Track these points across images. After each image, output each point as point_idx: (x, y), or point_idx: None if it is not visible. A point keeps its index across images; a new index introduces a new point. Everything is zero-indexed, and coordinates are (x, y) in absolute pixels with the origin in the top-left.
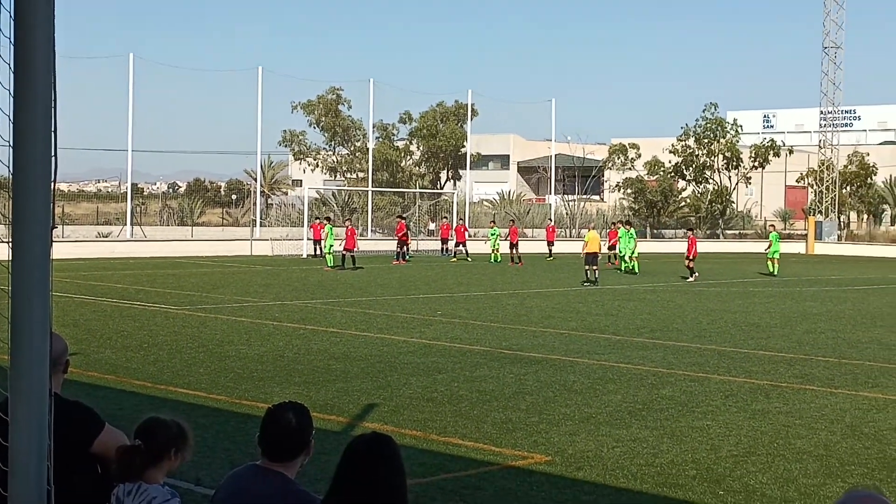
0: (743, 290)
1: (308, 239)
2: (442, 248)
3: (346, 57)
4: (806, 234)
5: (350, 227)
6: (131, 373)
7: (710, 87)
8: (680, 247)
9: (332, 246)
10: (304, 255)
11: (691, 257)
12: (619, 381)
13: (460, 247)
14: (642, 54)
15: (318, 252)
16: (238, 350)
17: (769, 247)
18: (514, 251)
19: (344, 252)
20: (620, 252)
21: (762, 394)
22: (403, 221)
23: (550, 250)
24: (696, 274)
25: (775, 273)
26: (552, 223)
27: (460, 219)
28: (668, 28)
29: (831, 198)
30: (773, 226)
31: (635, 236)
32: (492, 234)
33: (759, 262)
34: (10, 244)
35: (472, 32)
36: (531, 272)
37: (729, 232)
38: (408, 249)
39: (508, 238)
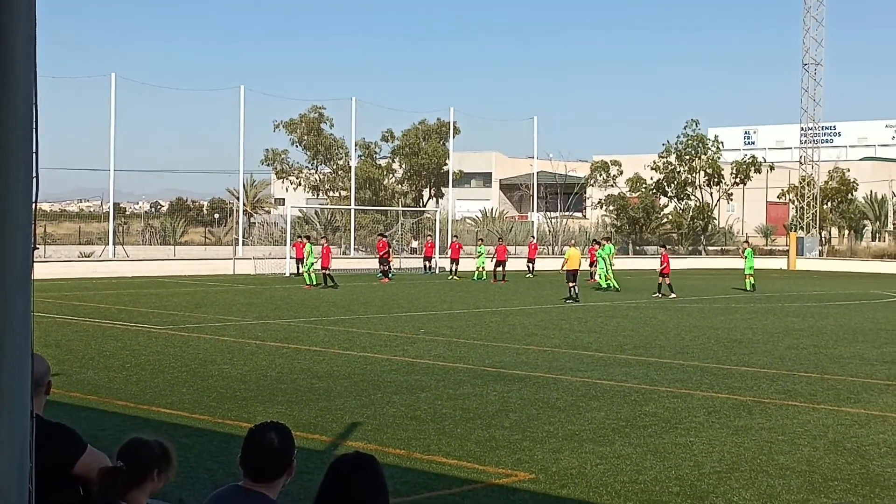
0: (725, 306)
1: (291, 258)
2: (425, 266)
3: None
4: (787, 250)
5: (325, 245)
6: (113, 393)
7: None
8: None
9: (312, 264)
10: (287, 274)
11: (666, 273)
12: (602, 398)
13: (454, 265)
14: (623, 71)
15: (300, 270)
16: (221, 369)
17: (746, 263)
18: (502, 269)
19: (322, 271)
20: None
21: (745, 410)
22: (385, 239)
23: (530, 267)
24: (673, 295)
25: (751, 289)
26: (534, 240)
27: (455, 236)
28: (649, 45)
29: (812, 214)
30: (747, 242)
31: (608, 253)
32: (479, 252)
33: (742, 278)
34: None
35: (454, 50)
36: (514, 289)
37: (711, 248)
38: (390, 267)
39: (495, 256)
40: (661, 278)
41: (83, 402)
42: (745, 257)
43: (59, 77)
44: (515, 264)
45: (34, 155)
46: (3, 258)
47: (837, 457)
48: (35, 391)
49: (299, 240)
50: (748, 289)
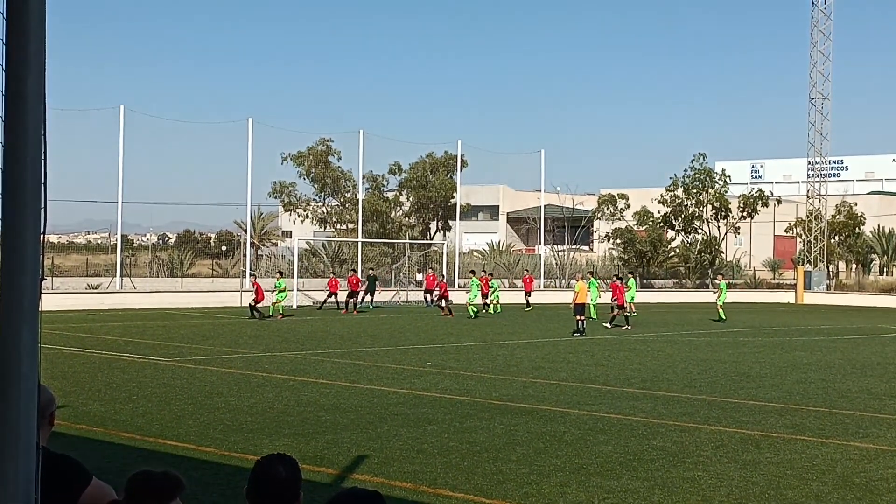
0: (733, 339)
1: (298, 290)
2: (426, 299)
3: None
4: (795, 284)
5: (332, 278)
6: (120, 425)
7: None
8: (669, 297)
9: (284, 297)
10: (295, 307)
11: (620, 305)
12: (609, 432)
13: (486, 298)
14: (631, 105)
15: (339, 303)
16: (227, 402)
17: (719, 295)
18: (440, 299)
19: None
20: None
21: (753, 444)
22: (354, 274)
23: (528, 300)
24: (628, 326)
25: (724, 319)
26: (529, 273)
27: (485, 271)
28: (657, 79)
29: (820, 247)
30: (721, 275)
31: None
32: (492, 286)
33: (750, 312)
34: (0, 296)
35: (461, 84)
36: (520, 322)
37: (718, 282)
38: (359, 300)
39: (523, 287)
40: (619, 310)
41: (89, 433)
42: (721, 289)
43: (67, 109)
44: (514, 298)
45: (43, 186)
46: (11, 289)
47: (846, 492)
48: (39, 422)
49: (332, 276)
50: (723, 318)
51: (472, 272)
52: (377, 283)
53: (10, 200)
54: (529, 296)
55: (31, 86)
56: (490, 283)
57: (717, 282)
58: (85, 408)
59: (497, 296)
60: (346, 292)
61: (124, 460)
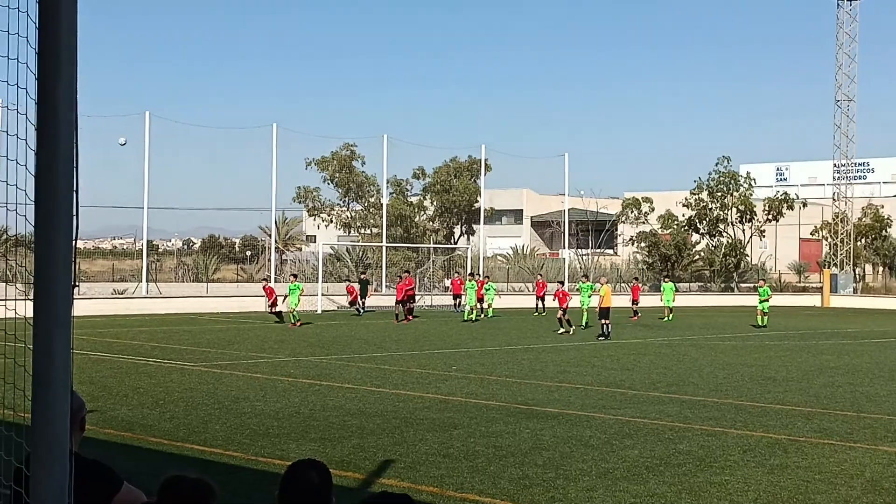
0: (759, 343)
1: (322, 294)
2: (455, 304)
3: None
4: (821, 287)
5: (349, 286)
6: (147, 430)
7: (722, 140)
8: (694, 300)
9: (297, 304)
10: (319, 311)
11: (564, 308)
12: (635, 436)
13: (539, 302)
14: (655, 108)
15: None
16: (254, 406)
17: (763, 299)
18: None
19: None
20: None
21: (780, 448)
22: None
23: (538, 305)
24: (572, 329)
25: (765, 325)
26: (541, 277)
27: (540, 275)
28: (680, 82)
29: (846, 250)
30: (763, 280)
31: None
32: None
33: (776, 316)
34: (33, 302)
35: (484, 88)
36: (546, 327)
37: (743, 285)
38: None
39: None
40: (561, 312)
41: (117, 438)
42: (664, 291)
43: (93, 116)
44: (525, 302)
45: (74, 193)
46: (44, 296)
47: (875, 496)
48: (71, 428)
49: (405, 275)
50: (763, 324)
51: (471, 274)
52: (369, 286)
53: (43, 208)
54: (542, 300)
55: (62, 94)
56: (485, 286)
57: (758, 286)
58: (113, 412)
59: (492, 299)
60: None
61: (152, 465)
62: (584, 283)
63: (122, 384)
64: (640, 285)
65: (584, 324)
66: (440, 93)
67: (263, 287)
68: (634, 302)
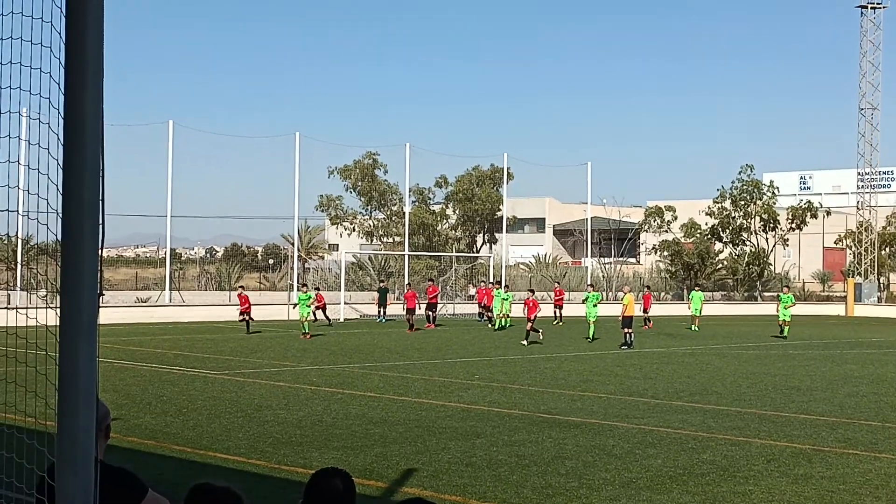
0: (783, 352)
1: (372, 303)
2: (480, 314)
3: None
4: (845, 296)
5: (409, 290)
6: (171, 438)
7: (745, 148)
8: (718, 309)
9: (308, 313)
10: (342, 319)
11: (532, 318)
12: (658, 446)
13: (558, 311)
14: (677, 117)
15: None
16: (276, 415)
17: (787, 306)
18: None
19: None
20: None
21: (804, 458)
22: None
23: (557, 314)
24: (540, 332)
25: (786, 335)
26: (559, 285)
27: (557, 283)
28: (704, 91)
29: (870, 259)
30: (787, 287)
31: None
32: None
33: (800, 325)
34: (59, 310)
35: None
36: (568, 335)
37: (767, 294)
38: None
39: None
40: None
41: (141, 446)
42: (781, 301)
43: (117, 125)
44: (571, 310)
45: (101, 203)
46: (70, 304)
47: None
48: (96, 435)
49: (431, 283)
50: (785, 334)
51: (498, 283)
52: (388, 295)
53: (70, 217)
54: (560, 309)
55: (88, 104)
56: (494, 294)
57: (782, 293)
58: (136, 420)
59: (508, 308)
60: (425, 304)
61: (175, 473)
62: (590, 292)
63: (145, 392)
64: (651, 294)
65: (590, 336)
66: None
67: (238, 294)
68: (645, 311)
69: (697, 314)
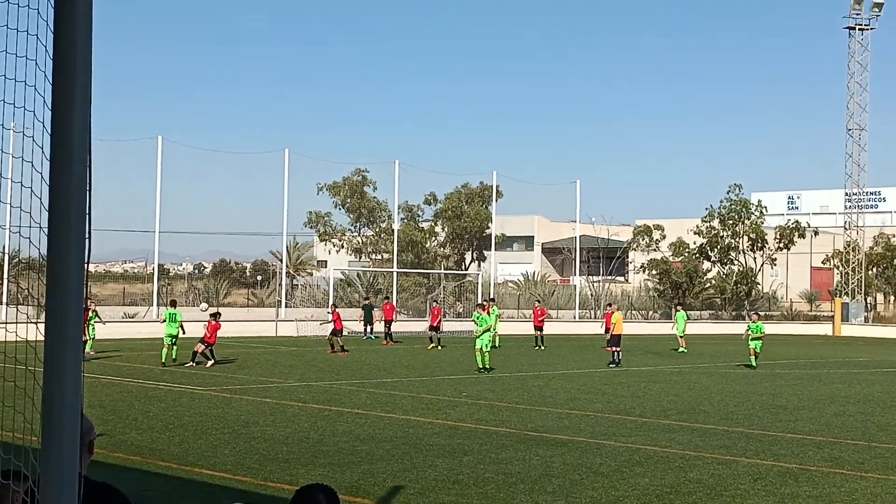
0: (770, 371)
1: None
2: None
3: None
4: (832, 316)
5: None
6: (157, 454)
7: (733, 168)
8: (705, 328)
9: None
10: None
11: (436, 325)
12: (646, 464)
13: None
14: (666, 136)
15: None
16: (263, 431)
17: (756, 336)
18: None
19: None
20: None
21: (791, 477)
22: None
23: (537, 336)
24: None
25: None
26: (540, 304)
27: (538, 300)
28: (692, 110)
29: (857, 279)
30: (756, 314)
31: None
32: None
33: (787, 344)
34: (45, 325)
35: (496, 115)
36: (556, 353)
37: (751, 312)
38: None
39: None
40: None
41: (127, 462)
42: (676, 321)
43: (106, 140)
44: (561, 328)
45: (87, 218)
46: (55, 319)
47: None
48: (80, 451)
49: (387, 300)
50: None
51: (491, 300)
52: (374, 312)
53: (56, 231)
54: (541, 330)
55: (75, 118)
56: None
57: (751, 322)
58: (122, 436)
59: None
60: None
61: (161, 489)
62: (478, 313)
63: (131, 408)
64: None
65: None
66: (452, 119)
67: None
68: (607, 330)
69: (681, 335)
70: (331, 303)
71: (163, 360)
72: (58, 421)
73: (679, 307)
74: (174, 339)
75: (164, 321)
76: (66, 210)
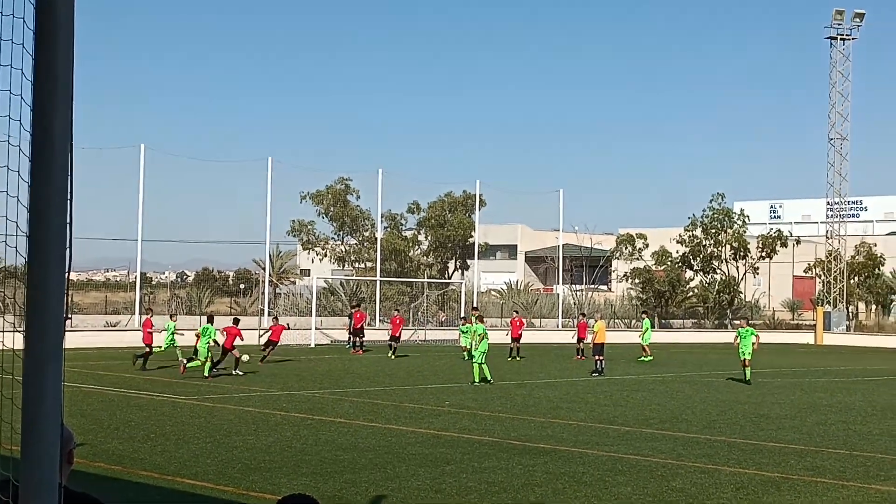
0: (752, 380)
1: (316, 328)
2: (390, 345)
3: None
4: (814, 325)
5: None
6: (138, 463)
7: (716, 177)
8: (688, 337)
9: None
10: (313, 345)
11: (396, 335)
12: (628, 473)
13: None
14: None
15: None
16: (245, 440)
17: (743, 345)
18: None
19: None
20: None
21: (773, 486)
22: (361, 311)
23: (514, 348)
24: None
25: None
26: (518, 315)
27: (516, 311)
28: (675, 119)
29: (839, 288)
30: (746, 320)
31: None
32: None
33: (769, 353)
34: (25, 334)
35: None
36: (539, 363)
37: (737, 322)
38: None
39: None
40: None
41: (107, 472)
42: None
43: (87, 148)
44: (546, 337)
45: (68, 226)
46: (36, 328)
47: None
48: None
49: (356, 309)
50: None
51: (475, 309)
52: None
53: (37, 239)
54: (517, 341)
55: (57, 125)
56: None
57: (740, 328)
58: (103, 446)
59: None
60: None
61: (143, 499)
62: (463, 325)
63: (113, 417)
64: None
65: (474, 380)
66: (435, 128)
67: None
68: (580, 340)
69: (645, 343)
70: (267, 312)
71: (205, 374)
72: (37, 430)
73: (644, 315)
74: (208, 354)
75: (198, 336)
76: (46, 218)
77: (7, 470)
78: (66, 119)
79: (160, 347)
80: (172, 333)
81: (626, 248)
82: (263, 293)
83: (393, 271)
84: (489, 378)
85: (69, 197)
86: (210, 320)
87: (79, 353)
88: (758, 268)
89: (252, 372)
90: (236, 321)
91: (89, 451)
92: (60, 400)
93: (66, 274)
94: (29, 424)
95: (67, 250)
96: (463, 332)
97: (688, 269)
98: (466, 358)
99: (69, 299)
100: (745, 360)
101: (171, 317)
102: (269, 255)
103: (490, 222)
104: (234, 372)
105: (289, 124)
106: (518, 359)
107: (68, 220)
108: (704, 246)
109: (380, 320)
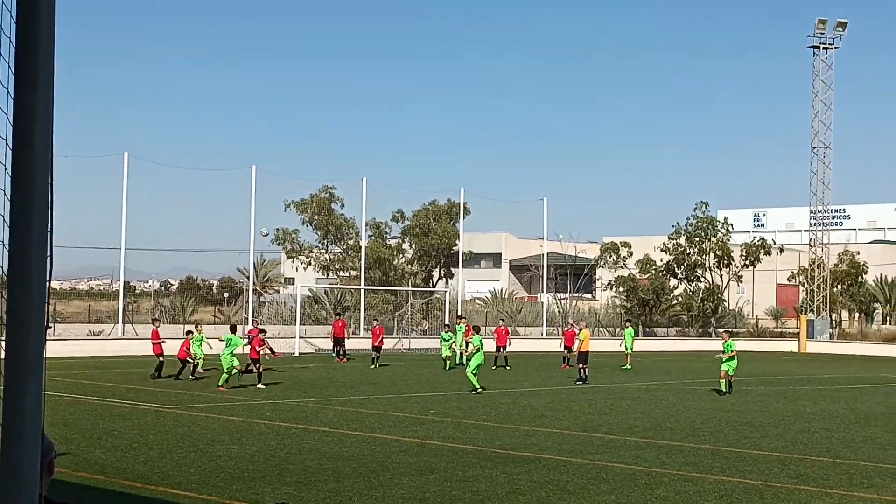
0: (736, 388)
1: (300, 337)
2: (336, 350)
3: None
4: (798, 333)
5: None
6: (121, 473)
7: (700, 186)
8: (672, 345)
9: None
10: (296, 354)
11: (377, 345)
12: (612, 481)
13: (501, 351)
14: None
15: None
16: (229, 449)
17: (729, 356)
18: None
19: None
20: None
21: (757, 494)
22: (342, 319)
23: (498, 357)
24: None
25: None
26: (503, 323)
27: (502, 320)
28: (659, 128)
29: (823, 296)
30: (727, 332)
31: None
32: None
33: (753, 361)
34: (5, 343)
35: (464, 132)
36: (523, 371)
37: (721, 330)
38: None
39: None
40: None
41: (90, 481)
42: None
43: (71, 156)
44: (530, 345)
45: (49, 234)
46: (17, 337)
47: None
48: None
49: (338, 317)
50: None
51: (460, 317)
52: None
53: (17, 249)
54: (503, 350)
55: (38, 134)
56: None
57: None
58: (86, 455)
59: (459, 343)
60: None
61: None
62: (446, 331)
63: (96, 426)
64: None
65: (475, 387)
66: (420, 136)
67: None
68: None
69: (629, 351)
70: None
71: (219, 384)
72: (17, 441)
73: (627, 323)
74: (231, 366)
75: (225, 345)
76: (27, 227)
77: None
78: (46, 127)
79: (196, 357)
80: (200, 342)
81: (610, 256)
82: (247, 302)
83: (377, 280)
84: (477, 388)
85: (49, 206)
86: (233, 330)
87: (62, 362)
88: (741, 276)
89: (243, 386)
90: (263, 331)
91: (71, 460)
92: (41, 409)
93: (48, 282)
94: (9, 435)
95: (48, 258)
96: (444, 339)
97: (672, 278)
98: (446, 367)
99: (52, 308)
100: (730, 376)
101: (196, 326)
102: (254, 264)
103: (474, 231)
104: (258, 385)
105: (273, 133)
106: (506, 368)
107: (49, 229)
108: (688, 254)
109: (364, 329)
